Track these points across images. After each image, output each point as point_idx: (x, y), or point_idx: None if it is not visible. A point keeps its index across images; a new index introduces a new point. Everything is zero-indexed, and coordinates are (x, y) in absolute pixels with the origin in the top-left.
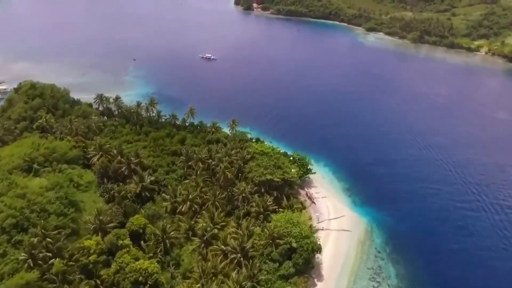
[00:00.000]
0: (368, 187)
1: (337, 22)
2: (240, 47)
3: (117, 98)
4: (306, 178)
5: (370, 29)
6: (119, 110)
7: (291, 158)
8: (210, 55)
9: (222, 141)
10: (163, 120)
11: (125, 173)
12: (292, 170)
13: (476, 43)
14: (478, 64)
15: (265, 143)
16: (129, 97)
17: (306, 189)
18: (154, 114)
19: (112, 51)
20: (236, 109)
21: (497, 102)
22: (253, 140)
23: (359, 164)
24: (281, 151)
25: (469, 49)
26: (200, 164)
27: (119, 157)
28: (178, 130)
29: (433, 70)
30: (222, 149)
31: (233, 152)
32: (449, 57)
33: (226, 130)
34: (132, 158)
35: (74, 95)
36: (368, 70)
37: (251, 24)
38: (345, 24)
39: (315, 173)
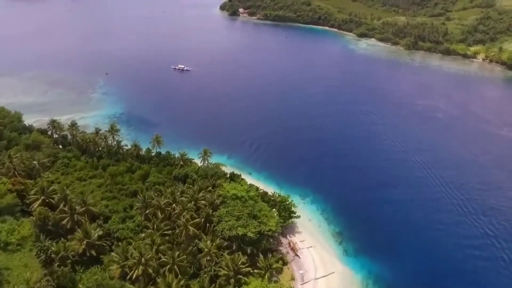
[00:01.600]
0: (362, 230)
1: (327, 28)
2: (221, 57)
3: (73, 125)
4: (290, 223)
5: (362, 35)
6: (74, 139)
7: (271, 199)
8: (183, 66)
9: (191, 177)
10: (125, 150)
11: (67, 226)
12: (271, 220)
13: (472, 49)
14: (476, 73)
15: (242, 180)
16: (94, 119)
17: (288, 237)
18: (114, 144)
19: (84, 64)
20: (211, 133)
21: (501, 117)
22: (227, 176)
23: (352, 199)
24: (260, 190)
25: (465, 56)
26: (160, 213)
27: (62, 205)
28: (141, 162)
29: (429, 80)
30: (190, 189)
31: (200, 195)
32: (445, 64)
33: (198, 160)
34: (77, 207)
35: (30, 118)
36: (360, 82)
37: (235, 31)
38: (335, 29)
39: (299, 216)
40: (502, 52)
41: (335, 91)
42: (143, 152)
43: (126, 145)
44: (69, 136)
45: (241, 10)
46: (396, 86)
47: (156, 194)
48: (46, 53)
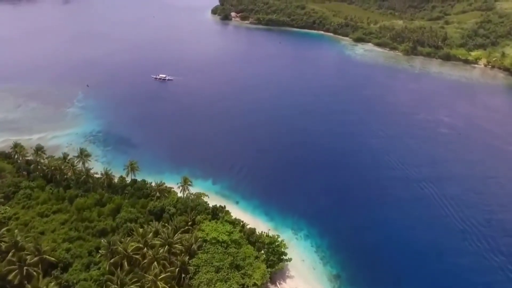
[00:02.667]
0: (363, 270)
1: (322, 32)
2: (209, 66)
3: (38, 149)
4: (280, 267)
5: (358, 40)
6: (39, 166)
7: (259, 241)
8: (164, 76)
9: (168, 211)
10: (95, 178)
11: (15, 282)
12: (257, 271)
13: (473, 54)
14: (478, 80)
15: (226, 213)
16: (68, 138)
17: (278, 283)
18: (83, 171)
19: (65, 74)
20: (195, 153)
21: (508, 130)
22: (209, 209)
23: (351, 230)
24: (246, 226)
25: (466, 61)
26: (126, 264)
27: (11, 254)
28: (114, 192)
29: (431, 89)
30: (165, 228)
31: (176, 238)
32: (445, 71)
33: (179, 188)
34: (29, 256)
35: None
36: (358, 93)
37: (226, 36)
38: (331, 34)
39: (290, 259)
40: (505, 57)
41: (332, 103)
42: (116, 179)
43: (97, 173)
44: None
45: (233, 14)
46: (396, 96)
47: (127, 234)
48: (25, 61)
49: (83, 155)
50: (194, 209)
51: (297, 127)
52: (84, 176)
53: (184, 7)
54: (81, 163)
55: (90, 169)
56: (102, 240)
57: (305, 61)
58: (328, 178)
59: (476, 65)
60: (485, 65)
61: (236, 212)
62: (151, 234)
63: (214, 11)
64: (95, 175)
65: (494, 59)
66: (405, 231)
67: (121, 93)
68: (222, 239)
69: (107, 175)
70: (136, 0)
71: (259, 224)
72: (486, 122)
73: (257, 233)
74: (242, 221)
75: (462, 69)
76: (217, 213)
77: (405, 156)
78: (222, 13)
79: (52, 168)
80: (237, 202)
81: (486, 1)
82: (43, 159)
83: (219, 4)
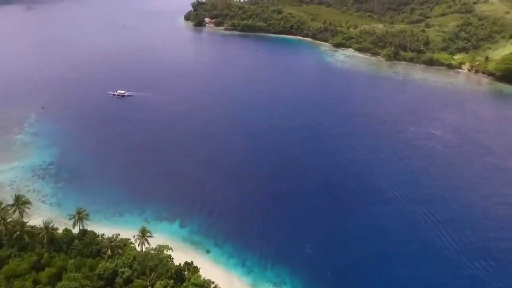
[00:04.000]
0: None
1: (301, 37)
2: (180, 76)
3: None
4: None
5: (338, 45)
6: None
7: None
8: (123, 92)
9: (121, 275)
10: (33, 233)
11: None
12: None
13: (456, 57)
14: (464, 86)
15: (195, 270)
16: (12, 174)
17: None
18: (18, 225)
19: (18, 92)
20: (159, 188)
21: (502, 143)
22: (172, 271)
23: (342, 280)
24: None
25: (450, 66)
26: None
27: None
28: (57, 249)
29: (417, 98)
30: None
31: None
32: (430, 77)
33: (135, 239)
34: None
35: None
36: (340, 103)
37: (200, 44)
38: (310, 39)
39: None
40: (488, 61)
41: (311, 118)
42: (61, 230)
43: (35, 226)
44: None
45: (207, 20)
46: (381, 107)
47: None
48: None
49: (19, 203)
50: (154, 270)
51: (276, 149)
52: (18, 232)
53: (156, 12)
54: (17, 213)
55: (27, 221)
56: None
57: (283, 69)
58: (313, 211)
59: (460, 70)
60: (469, 70)
61: (207, 265)
62: None
63: (187, 17)
64: (39, 225)
65: (477, 63)
66: (400, 271)
67: (80, 114)
68: None
69: (48, 229)
70: (103, 6)
71: (234, 280)
72: (478, 134)
73: None
74: (213, 282)
75: (446, 75)
76: (182, 274)
77: (393, 176)
78: (195, 19)
79: None
80: (208, 251)
81: (465, 3)
82: None
83: (192, 9)
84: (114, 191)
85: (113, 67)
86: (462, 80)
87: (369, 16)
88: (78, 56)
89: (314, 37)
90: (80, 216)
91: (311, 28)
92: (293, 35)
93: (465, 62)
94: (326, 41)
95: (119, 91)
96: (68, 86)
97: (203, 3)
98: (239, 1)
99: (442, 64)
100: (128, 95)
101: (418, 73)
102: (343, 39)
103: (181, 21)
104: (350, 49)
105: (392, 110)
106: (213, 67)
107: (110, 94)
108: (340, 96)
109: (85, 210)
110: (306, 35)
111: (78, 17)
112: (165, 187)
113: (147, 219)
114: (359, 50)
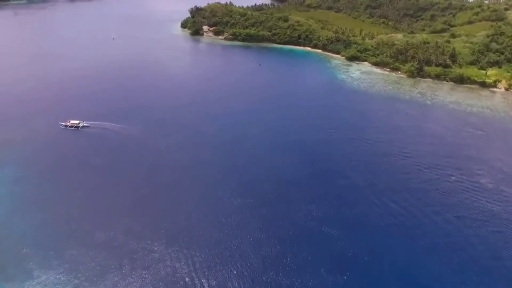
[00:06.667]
0: None
1: (309, 49)
2: (167, 100)
3: None
4: None
5: (352, 58)
6: None
7: None
8: (77, 122)
9: None
10: None
11: None
12: None
13: (489, 73)
14: (505, 111)
15: None
16: None
17: None
18: None
19: None
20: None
21: None
22: None
23: None
24: None
25: (483, 84)
26: None
27: None
28: None
29: (451, 129)
30: None
31: None
32: (462, 99)
33: None
34: None
35: None
36: (359, 139)
37: (196, 57)
38: (319, 50)
39: None
40: None
41: (325, 160)
42: None
43: None
44: None
45: (205, 28)
46: (409, 141)
47: None
48: None
49: None
50: None
51: (278, 204)
52: None
53: (151, 19)
54: None
55: None
56: None
57: (290, 90)
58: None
59: (495, 89)
60: (506, 89)
61: None
62: None
63: (183, 25)
64: None
65: None
66: None
67: (38, 154)
68: None
69: None
70: (92, 13)
71: None
72: None
73: None
74: None
75: (481, 96)
76: None
77: (449, 262)
78: (193, 27)
79: None
80: None
81: (495, 10)
82: None
83: (190, 16)
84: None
85: (87, 89)
86: (501, 102)
87: (383, 23)
88: (48, 74)
89: (324, 48)
90: None
91: (321, 38)
92: (300, 45)
93: (501, 80)
94: (338, 53)
95: (71, 121)
96: (18, 112)
97: (201, 9)
98: (242, 6)
99: (473, 82)
100: (83, 126)
101: (447, 94)
102: (358, 51)
103: (177, 29)
104: (366, 63)
105: (423, 147)
106: (209, 89)
107: (61, 124)
108: (358, 128)
109: None
110: (315, 46)
111: (64, 25)
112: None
113: None
114: (376, 64)
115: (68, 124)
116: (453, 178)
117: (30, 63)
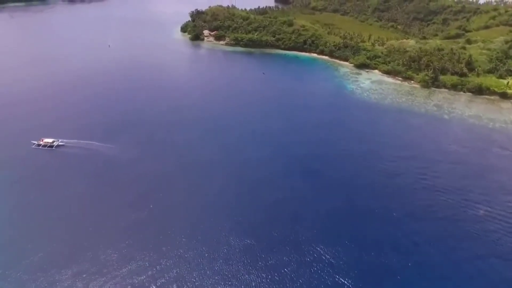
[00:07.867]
0: None
1: (315, 55)
2: (158, 119)
3: None
4: None
5: (361, 66)
6: None
7: None
8: (51, 141)
9: None
10: None
11: None
12: None
13: (511, 83)
14: None
15: None
16: None
17: None
18: None
19: None
20: None
21: None
22: None
23: None
24: None
25: (504, 96)
26: None
27: None
28: None
29: (474, 149)
30: None
31: None
32: (482, 112)
33: None
34: None
35: None
36: (369, 165)
37: (195, 65)
38: (326, 57)
39: None
40: None
41: (332, 188)
42: None
43: None
44: None
45: (206, 32)
46: (428, 164)
47: None
48: None
49: None
50: None
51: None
52: None
53: (150, 22)
54: None
55: None
56: None
57: (296, 104)
58: None
59: None
60: None
61: None
62: None
63: (183, 29)
64: None
65: None
66: None
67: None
68: None
69: None
70: (92, 15)
71: None
72: None
73: None
74: None
75: (501, 109)
76: None
77: None
78: (193, 31)
79: None
80: None
81: None
82: None
83: (190, 19)
84: None
85: (69, 101)
86: None
87: (392, 26)
88: (33, 81)
89: (331, 55)
90: None
91: (327, 44)
92: (306, 51)
93: None
94: (346, 60)
95: (45, 140)
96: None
97: (202, 13)
98: (244, 9)
99: (492, 93)
100: (58, 145)
101: (466, 107)
102: (367, 58)
103: (177, 33)
104: (376, 71)
105: (444, 173)
106: (209, 102)
107: (33, 143)
108: (369, 150)
109: None
110: (321, 52)
111: (59, 30)
112: None
113: None
114: (388, 73)
115: (41, 143)
116: (482, 211)
117: (15, 68)
